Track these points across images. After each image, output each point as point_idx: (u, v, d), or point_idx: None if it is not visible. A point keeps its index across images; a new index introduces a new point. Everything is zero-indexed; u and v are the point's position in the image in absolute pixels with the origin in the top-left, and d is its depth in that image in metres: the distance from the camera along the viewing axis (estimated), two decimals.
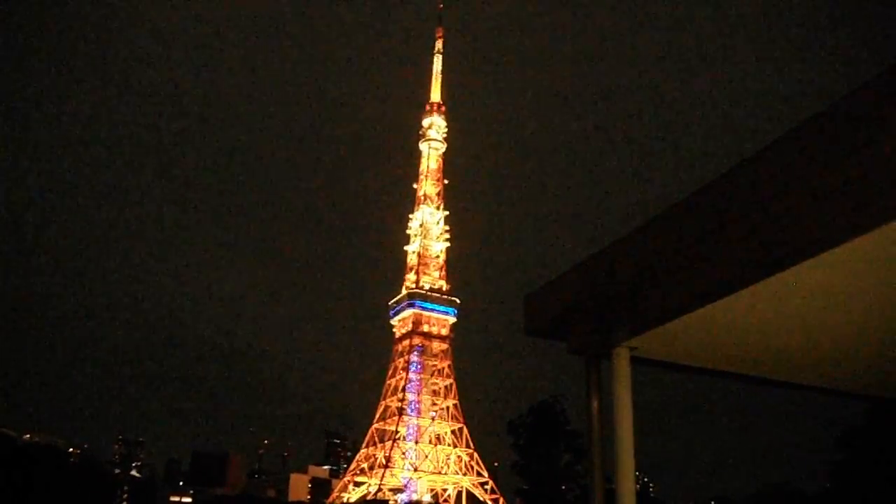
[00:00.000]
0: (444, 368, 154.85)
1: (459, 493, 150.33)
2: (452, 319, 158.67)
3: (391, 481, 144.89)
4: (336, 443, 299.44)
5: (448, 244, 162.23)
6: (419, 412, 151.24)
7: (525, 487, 44.78)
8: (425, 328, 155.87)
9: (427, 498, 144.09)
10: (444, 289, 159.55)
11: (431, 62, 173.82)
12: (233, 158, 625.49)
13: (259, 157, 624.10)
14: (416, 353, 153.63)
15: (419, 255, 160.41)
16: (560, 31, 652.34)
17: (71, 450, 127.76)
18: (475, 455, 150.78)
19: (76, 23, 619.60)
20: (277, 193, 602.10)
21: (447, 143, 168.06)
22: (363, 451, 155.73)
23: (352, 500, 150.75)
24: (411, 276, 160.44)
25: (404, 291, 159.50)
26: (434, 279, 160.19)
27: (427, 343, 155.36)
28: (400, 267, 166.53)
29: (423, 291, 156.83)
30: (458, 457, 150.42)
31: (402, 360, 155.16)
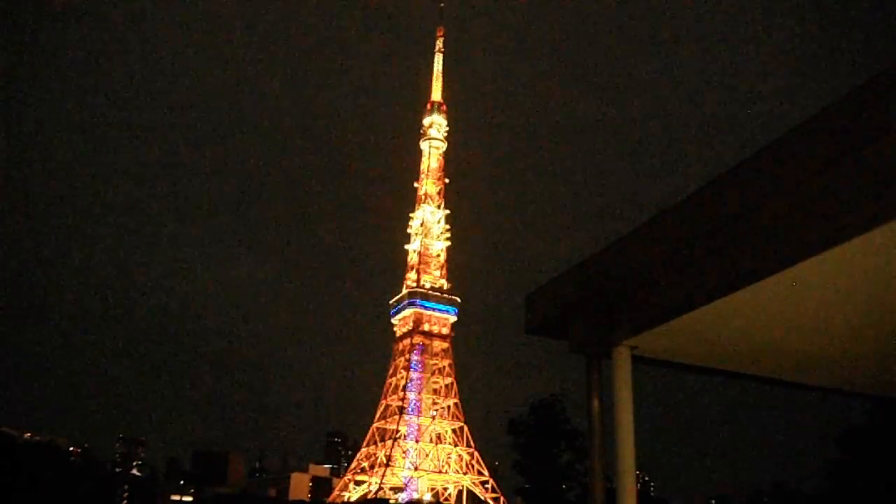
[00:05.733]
0: (444, 367, 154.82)
1: (460, 492, 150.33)
2: (453, 318, 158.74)
3: (392, 480, 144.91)
4: (337, 441, 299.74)
5: (448, 243, 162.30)
6: (420, 411, 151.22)
7: (526, 486, 44.77)
8: (426, 327, 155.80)
9: (428, 497, 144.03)
10: (444, 288, 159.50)
11: (432, 61, 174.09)
12: (232, 157, 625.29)
13: (259, 156, 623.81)
14: (416, 351, 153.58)
15: (420, 254, 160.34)
16: (561, 31, 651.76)
17: (71, 449, 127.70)
18: (476, 454, 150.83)
19: (82, 22, 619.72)
20: (278, 193, 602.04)
21: (448, 141, 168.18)
22: (364, 449, 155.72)
23: (352, 498, 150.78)
24: (412, 275, 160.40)
25: (405, 290, 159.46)
26: (435, 278, 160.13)
27: (428, 342, 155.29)
28: (401, 266, 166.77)
29: (424, 290, 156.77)
30: (459, 455, 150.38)
31: (402, 358, 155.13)
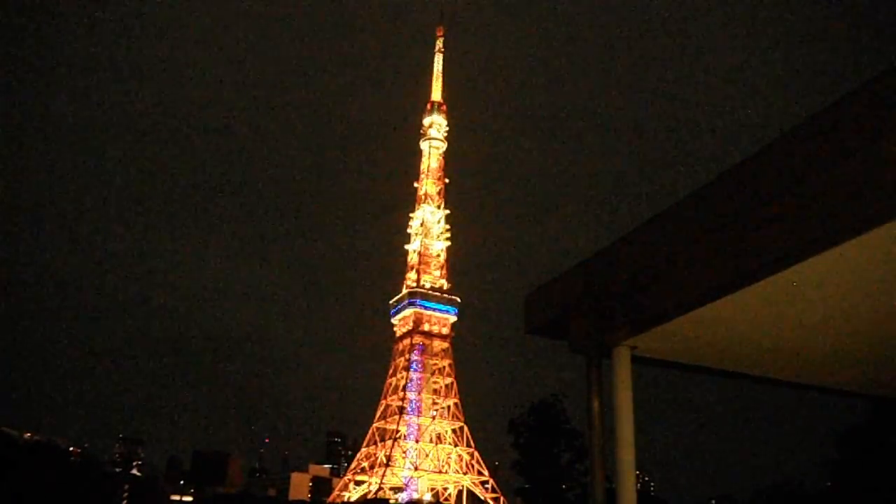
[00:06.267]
0: (444, 367, 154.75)
1: (460, 492, 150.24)
2: (453, 318, 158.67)
3: (392, 480, 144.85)
4: (337, 442, 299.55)
5: (448, 243, 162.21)
6: (420, 411, 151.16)
7: (525, 486, 44.74)
8: (426, 327, 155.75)
9: (428, 497, 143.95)
10: (444, 288, 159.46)
11: (432, 61, 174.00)
12: (233, 157, 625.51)
13: (259, 155, 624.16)
14: (416, 351, 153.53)
15: (420, 253, 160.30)
16: (561, 30, 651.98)
17: (71, 449, 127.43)
18: (476, 454, 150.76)
19: (82, 20, 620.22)
20: (278, 192, 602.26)
21: (448, 141, 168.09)
22: (364, 449, 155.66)
23: (352, 499, 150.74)
24: (412, 275, 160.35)
25: (405, 290, 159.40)
26: (435, 278, 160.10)
27: (428, 342, 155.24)
28: (401, 266, 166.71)
29: (424, 290, 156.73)
30: (459, 455, 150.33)
31: (402, 358, 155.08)
